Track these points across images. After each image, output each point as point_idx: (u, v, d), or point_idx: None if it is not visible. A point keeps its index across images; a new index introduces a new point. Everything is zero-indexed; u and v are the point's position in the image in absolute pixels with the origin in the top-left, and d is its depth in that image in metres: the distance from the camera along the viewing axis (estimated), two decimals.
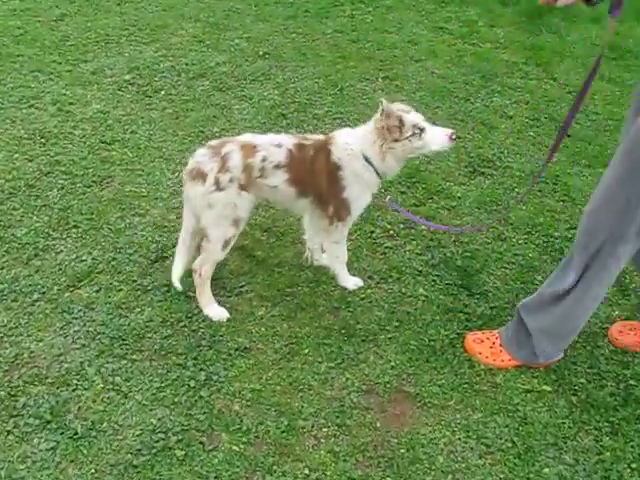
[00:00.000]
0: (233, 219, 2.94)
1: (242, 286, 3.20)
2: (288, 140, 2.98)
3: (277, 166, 2.91)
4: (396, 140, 2.90)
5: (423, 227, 3.59)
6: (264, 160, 2.90)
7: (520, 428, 2.67)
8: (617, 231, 2.55)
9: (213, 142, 2.99)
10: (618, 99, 4.93)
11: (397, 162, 3.00)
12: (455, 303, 3.18)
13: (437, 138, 2.92)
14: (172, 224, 3.50)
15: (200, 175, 2.88)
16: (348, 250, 3.24)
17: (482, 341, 2.97)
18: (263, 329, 3.00)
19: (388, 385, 2.80)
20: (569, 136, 4.33)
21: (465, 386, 2.82)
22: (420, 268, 3.36)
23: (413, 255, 3.43)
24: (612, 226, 2.55)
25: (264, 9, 5.90)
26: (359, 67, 5.07)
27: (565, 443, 2.63)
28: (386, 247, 3.47)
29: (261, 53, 5.18)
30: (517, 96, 4.87)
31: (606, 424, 2.71)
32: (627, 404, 2.80)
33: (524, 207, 3.79)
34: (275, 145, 2.94)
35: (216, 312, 3.04)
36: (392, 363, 2.89)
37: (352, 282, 3.26)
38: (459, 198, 3.82)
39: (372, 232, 3.55)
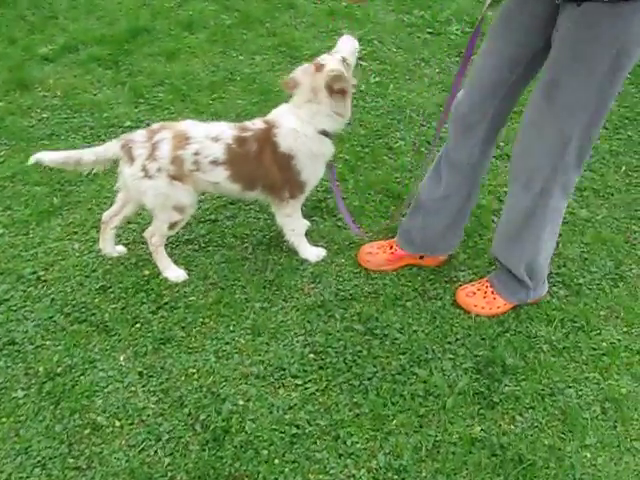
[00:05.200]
0: (173, 206, 2.81)
1: None
2: (227, 132, 2.78)
3: (214, 162, 2.75)
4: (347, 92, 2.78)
5: None
6: (197, 154, 2.73)
7: None
8: (558, 165, 2.50)
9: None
10: None
11: (350, 109, 2.87)
12: None
13: (347, 46, 2.86)
14: None
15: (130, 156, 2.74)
16: None
17: (474, 293, 2.88)
18: None
19: None
20: None
21: None
22: None
23: None
24: (552, 161, 2.49)
25: None
26: None
27: None
28: None
29: None
30: None
31: None
32: None
33: None
34: (211, 138, 2.75)
35: (173, 274, 2.95)
36: None
37: (314, 254, 3.07)
38: None
39: None
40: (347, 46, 2.88)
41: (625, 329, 2.86)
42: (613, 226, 3.39)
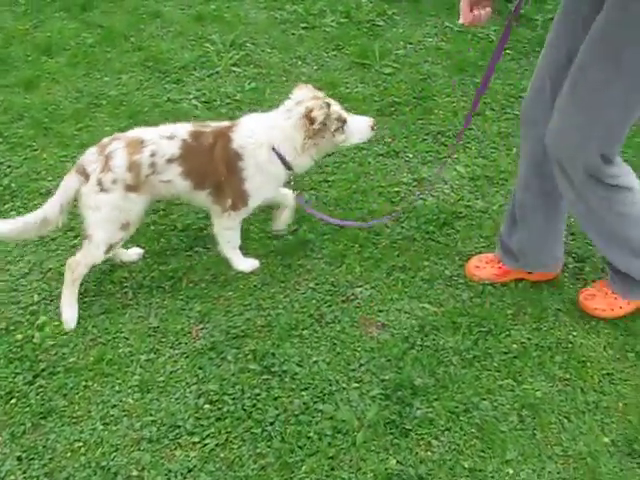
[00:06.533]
0: (122, 223, 2.70)
1: None
2: (182, 129, 2.73)
3: (170, 160, 2.67)
4: (322, 137, 2.69)
5: None
6: (154, 155, 2.66)
7: None
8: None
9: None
10: None
11: (315, 158, 2.81)
12: None
13: (359, 130, 2.78)
14: None
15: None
16: None
17: (594, 296, 2.76)
18: None
19: None
20: None
21: None
22: None
23: None
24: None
25: None
26: None
27: None
28: None
29: None
30: None
31: None
32: None
33: None
34: (166, 137, 2.69)
35: (69, 315, 2.76)
36: None
37: (248, 264, 2.96)
38: None
39: None
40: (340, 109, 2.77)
41: (534, 325, 2.75)
42: None
